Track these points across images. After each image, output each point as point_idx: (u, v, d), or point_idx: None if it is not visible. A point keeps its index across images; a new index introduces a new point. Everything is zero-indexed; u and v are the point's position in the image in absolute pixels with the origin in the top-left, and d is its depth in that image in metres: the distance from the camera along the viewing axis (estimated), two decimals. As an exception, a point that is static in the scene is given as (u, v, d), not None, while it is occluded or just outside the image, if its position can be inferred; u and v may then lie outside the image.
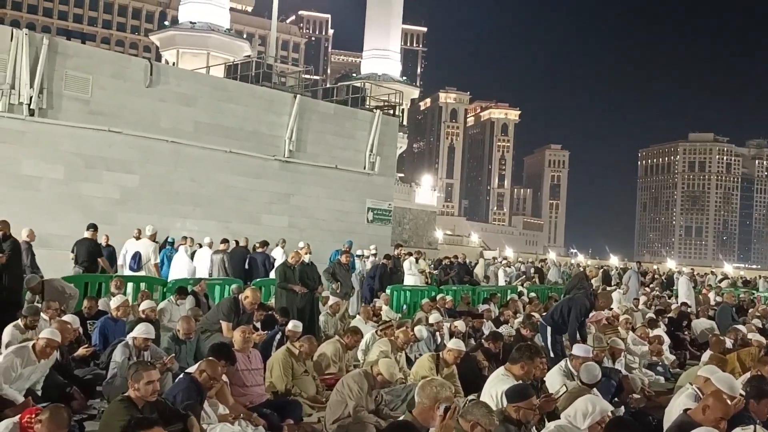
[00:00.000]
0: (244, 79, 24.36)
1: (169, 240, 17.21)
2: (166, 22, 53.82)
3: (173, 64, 39.29)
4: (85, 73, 18.34)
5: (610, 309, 14.75)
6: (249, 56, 36.53)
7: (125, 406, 4.94)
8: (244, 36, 65.46)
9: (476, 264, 26.83)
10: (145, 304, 9.05)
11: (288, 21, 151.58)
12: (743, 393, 5.80)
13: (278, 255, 16.96)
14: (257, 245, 17.13)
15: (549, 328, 9.85)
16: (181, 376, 6.06)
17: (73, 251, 13.18)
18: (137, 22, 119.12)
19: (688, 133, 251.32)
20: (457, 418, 4.55)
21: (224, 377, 6.35)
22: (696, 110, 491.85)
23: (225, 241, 16.55)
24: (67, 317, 7.88)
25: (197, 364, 6.06)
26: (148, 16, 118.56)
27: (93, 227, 13.35)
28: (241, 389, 6.98)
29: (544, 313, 13.32)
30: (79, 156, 18.22)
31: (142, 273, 13.67)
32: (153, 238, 14.30)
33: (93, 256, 12.88)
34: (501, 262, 29.77)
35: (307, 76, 39.00)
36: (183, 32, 41.07)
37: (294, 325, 8.54)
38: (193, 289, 11.38)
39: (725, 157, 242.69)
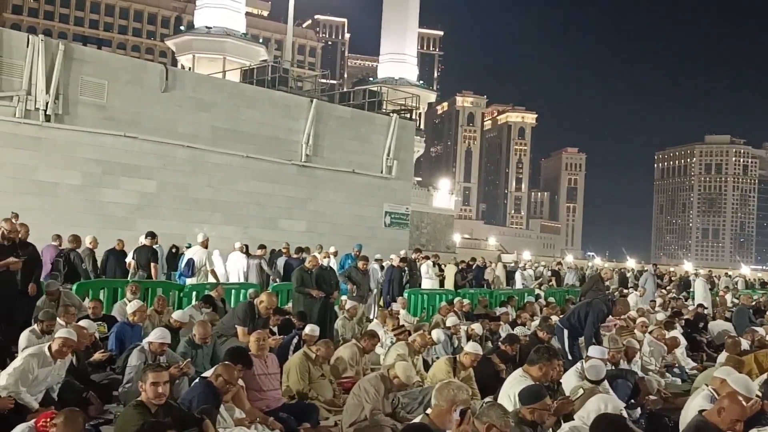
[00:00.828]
0: (261, 83, 24.49)
1: (187, 246, 17.27)
2: (182, 27, 54.10)
3: (189, 69, 39.54)
4: (101, 78, 18.53)
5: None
6: (265, 61, 36.67)
7: (139, 411, 4.93)
8: (260, 40, 65.77)
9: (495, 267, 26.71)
10: (177, 315, 9.13)
11: (304, 25, 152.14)
12: (759, 394, 5.77)
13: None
14: (284, 250, 17.28)
15: (566, 331, 9.84)
16: (197, 380, 6.09)
17: (133, 257, 14.17)
18: (153, 27, 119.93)
19: (704, 136, 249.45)
20: (473, 421, 4.57)
21: (240, 381, 6.38)
22: (712, 112, 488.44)
23: (262, 246, 16.60)
24: (83, 322, 7.94)
25: (213, 369, 6.09)
26: (164, 21, 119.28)
27: (151, 235, 14.29)
28: (257, 393, 7.01)
29: (561, 316, 13.32)
30: (96, 162, 18.40)
31: (193, 280, 13.70)
32: (205, 244, 14.45)
33: (150, 261, 13.83)
34: (520, 266, 29.66)
35: (324, 81, 39.12)
36: (199, 37, 41.35)
37: (311, 329, 8.55)
38: (209, 294, 11.44)
39: (742, 159, 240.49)
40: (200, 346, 7.92)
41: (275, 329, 9.92)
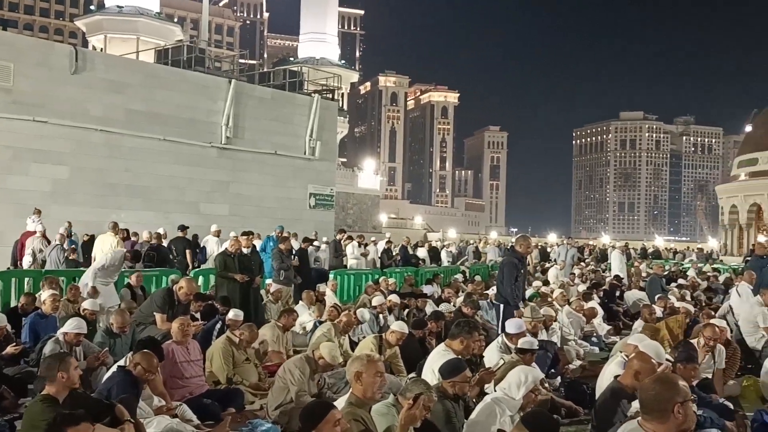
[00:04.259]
0: (176, 64, 23.81)
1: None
2: (92, 7, 51.84)
3: (101, 50, 38.10)
4: (7, 60, 17.78)
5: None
6: (181, 41, 35.63)
7: (47, 405, 4.75)
8: (175, 20, 63.97)
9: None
10: (87, 304, 8.82)
11: (221, 4, 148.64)
12: (670, 359, 6.03)
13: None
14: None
15: (502, 306, 9.82)
16: (115, 369, 5.93)
17: (170, 249, 15.55)
18: (62, 7, 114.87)
19: (619, 112, 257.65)
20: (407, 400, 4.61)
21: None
22: (627, 90, 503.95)
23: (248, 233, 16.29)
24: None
25: (130, 357, 5.93)
26: (73, 1, 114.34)
27: (183, 228, 16.16)
28: (180, 381, 6.89)
29: (487, 292, 13.60)
30: (4, 148, 17.66)
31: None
32: (217, 234, 16.51)
33: (185, 251, 15.45)
34: (445, 244, 30.09)
35: (243, 61, 38.32)
36: (110, 17, 39.79)
37: (235, 314, 8.43)
38: (128, 281, 11.14)
39: (654, 135, 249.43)
40: (118, 335, 7.73)
41: (198, 315, 9.74)
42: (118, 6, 39.76)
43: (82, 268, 13.56)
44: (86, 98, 19.15)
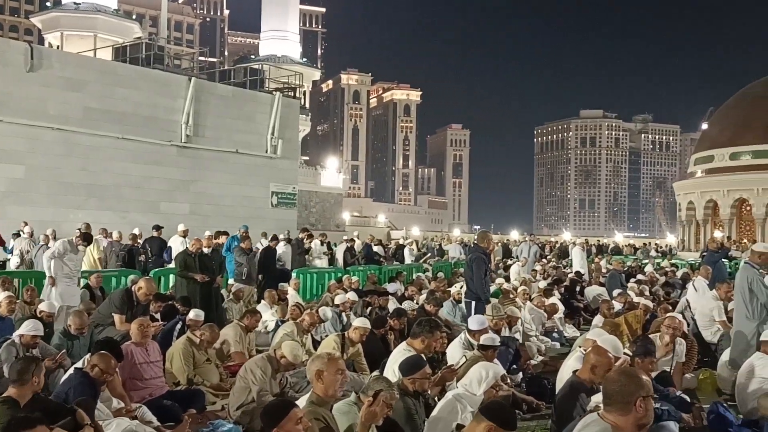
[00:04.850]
0: (135, 61, 23.48)
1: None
2: (49, 3, 50.83)
3: (57, 47, 37.33)
4: (-41, 58, 17.33)
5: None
6: (139, 38, 35.15)
7: (7, 407, 4.67)
8: (134, 17, 62.92)
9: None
10: (44, 306, 8.64)
11: (180, 1, 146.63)
12: (629, 353, 6.14)
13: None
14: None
15: (473, 303, 9.87)
16: (72, 371, 5.83)
17: (145, 249, 15.75)
18: (16, 4, 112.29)
19: (579, 110, 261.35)
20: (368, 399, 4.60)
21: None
22: (587, 88, 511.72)
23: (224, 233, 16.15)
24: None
25: (88, 359, 5.83)
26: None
27: (157, 227, 16.50)
28: (139, 382, 6.82)
29: (450, 289, 13.66)
30: (-44, 147, 17.22)
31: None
32: (184, 234, 16.22)
33: (161, 250, 15.70)
34: (407, 242, 30.16)
35: (203, 59, 37.85)
36: (67, 13, 39.01)
37: (195, 314, 8.34)
38: (87, 282, 10.95)
39: (614, 133, 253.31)
40: (76, 337, 7.59)
41: (157, 315, 9.62)
42: (75, 2, 39.01)
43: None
44: (42, 96, 18.79)
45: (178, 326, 8.69)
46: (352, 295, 11.46)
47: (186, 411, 6.69)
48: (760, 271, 8.31)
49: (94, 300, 10.47)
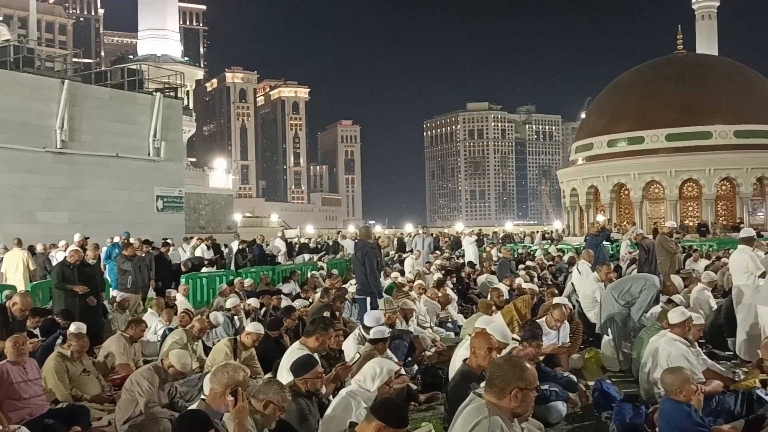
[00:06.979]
0: (3, 65, 22.05)
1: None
2: None
3: None
4: None
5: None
6: (8, 40, 33.01)
7: None
8: (1, 18, 59.28)
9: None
10: None
11: (51, 1, 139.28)
12: (517, 338, 6.29)
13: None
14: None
15: (368, 299, 9.82)
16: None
17: None
18: None
19: (466, 104, 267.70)
20: (249, 399, 4.47)
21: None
22: (473, 81, 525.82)
23: (147, 242, 15.27)
24: None
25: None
26: None
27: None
28: (17, 402, 6.42)
29: (345, 286, 13.65)
30: None
31: None
32: (81, 244, 14.79)
33: None
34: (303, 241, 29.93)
35: (77, 60, 35.97)
36: (-76, 15, 36.34)
37: (77, 327, 7.91)
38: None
39: (500, 124, 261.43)
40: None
41: (36, 331, 9.07)
42: (-69, 2, 36.31)
43: None
44: None
45: (59, 341, 8.24)
46: (253, 302, 11.12)
47: (70, 429, 6.35)
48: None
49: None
